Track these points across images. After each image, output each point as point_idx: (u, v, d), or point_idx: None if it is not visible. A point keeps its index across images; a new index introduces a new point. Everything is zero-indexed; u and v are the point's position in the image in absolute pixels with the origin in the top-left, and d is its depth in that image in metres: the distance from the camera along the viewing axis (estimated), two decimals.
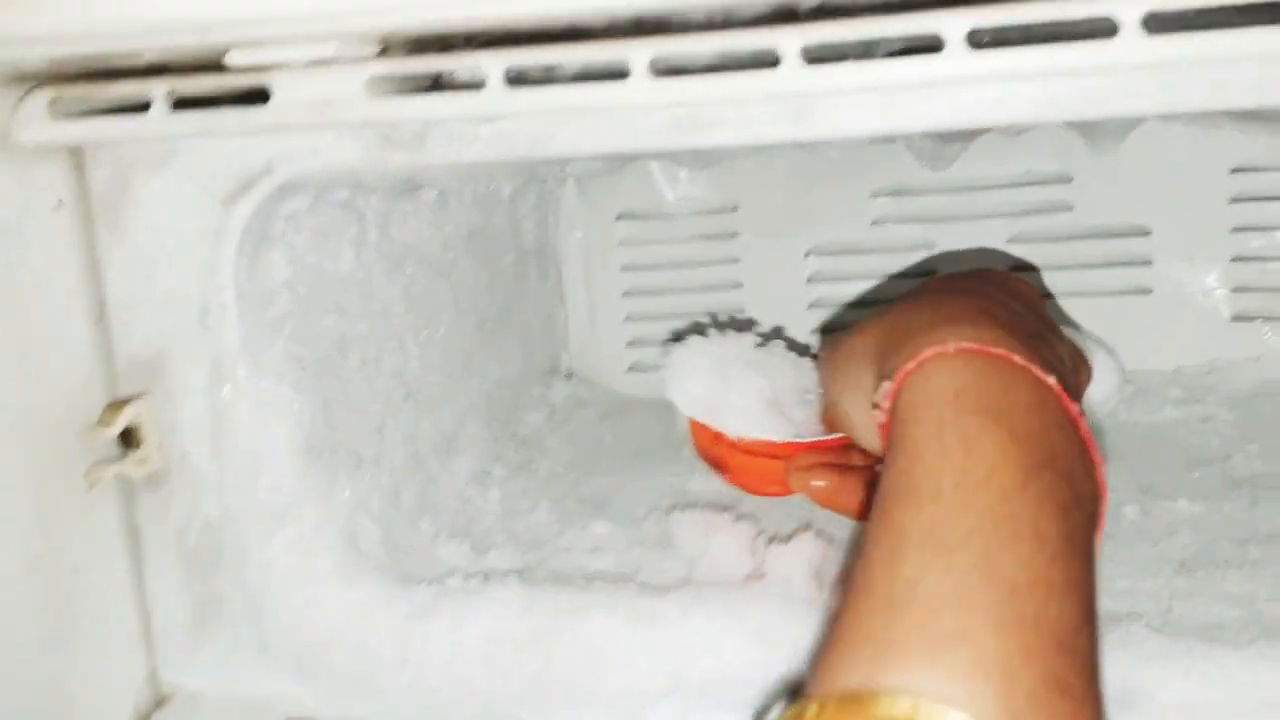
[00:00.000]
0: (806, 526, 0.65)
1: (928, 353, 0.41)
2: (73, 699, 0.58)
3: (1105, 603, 0.56)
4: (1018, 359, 0.41)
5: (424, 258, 0.71)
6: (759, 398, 0.68)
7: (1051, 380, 0.41)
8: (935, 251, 0.91)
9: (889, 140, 0.85)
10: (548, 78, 0.51)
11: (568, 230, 0.96)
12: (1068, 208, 0.88)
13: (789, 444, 0.65)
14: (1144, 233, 0.87)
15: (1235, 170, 0.85)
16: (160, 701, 0.62)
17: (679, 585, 0.59)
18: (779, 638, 0.54)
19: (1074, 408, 0.41)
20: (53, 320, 0.56)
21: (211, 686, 0.62)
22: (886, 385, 0.43)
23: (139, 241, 0.57)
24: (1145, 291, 0.88)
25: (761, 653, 0.54)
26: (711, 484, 0.73)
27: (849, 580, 0.36)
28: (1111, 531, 0.64)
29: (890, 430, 0.41)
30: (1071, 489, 0.39)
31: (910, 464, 0.38)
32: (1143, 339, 0.87)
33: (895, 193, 0.91)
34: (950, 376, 0.40)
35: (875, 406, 0.44)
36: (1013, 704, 0.32)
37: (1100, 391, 0.79)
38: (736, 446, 0.67)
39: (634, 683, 0.55)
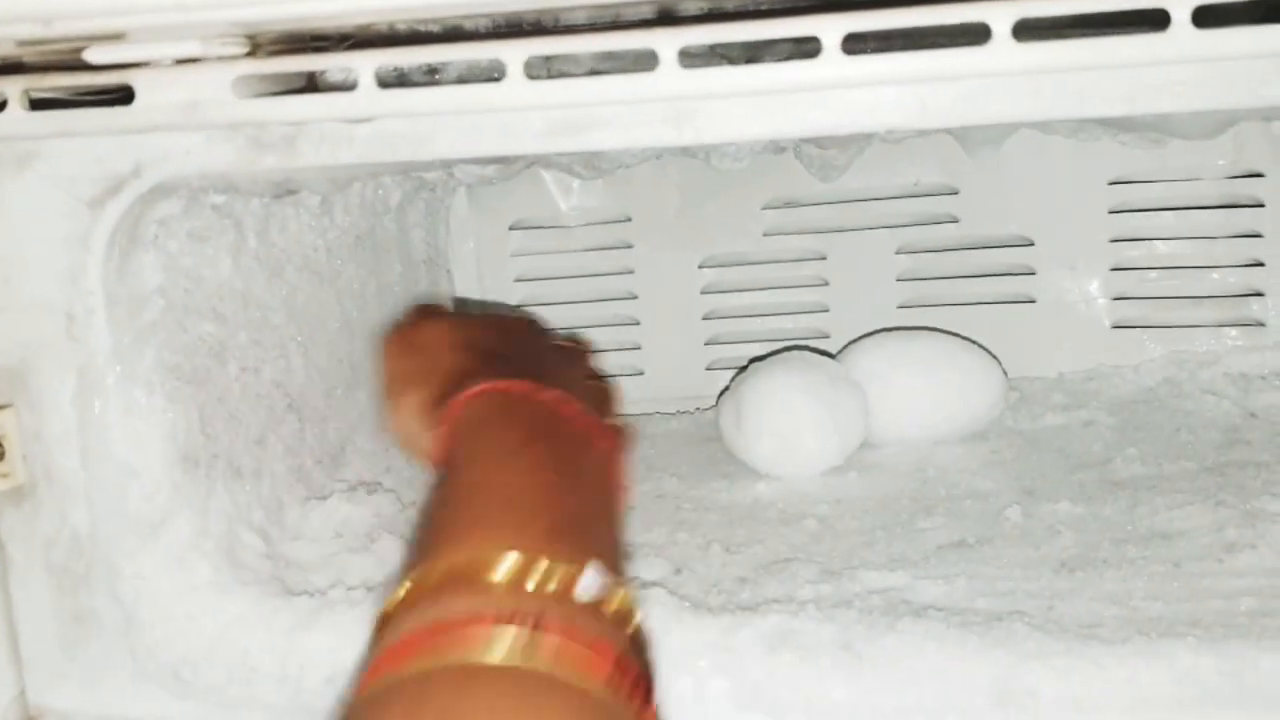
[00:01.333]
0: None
1: (471, 391, 0.55)
2: None
3: (989, 603, 0.58)
4: (520, 388, 0.56)
5: (306, 264, 0.70)
6: None
7: (546, 395, 0.55)
8: (825, 260, 0.92)
9: (779, 151, 0.86)
10: (425, 80, 0.50)
11: (459, 240, 0.95)
12: (954, 219, 0.90)
13: None
14: (1027, 243, 0.89)
15: (1113, 182, 0.87)
16: None
17: None
18: (667, 643, 0.54)
19: (562, 406, 0.55)
20: None
21: (83, 706, 0.59)
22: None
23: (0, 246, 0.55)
24: (1029, 301, 0.89)
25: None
26: None
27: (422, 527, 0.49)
28: (995, 534, 0.66)
29: (446, 440, 0.54)
30: (563, 445, 0.53)
31: (462, 453, 0.52)
32: (1027, 347, 0.89)
33: (786, 204, 0.92)
34: (481, 407, 0.55)
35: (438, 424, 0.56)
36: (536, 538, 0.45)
37: (985, 399, 0.80)
38: None
39: None
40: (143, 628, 0.58)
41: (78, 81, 0.50)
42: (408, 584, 0.44)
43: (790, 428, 0.75)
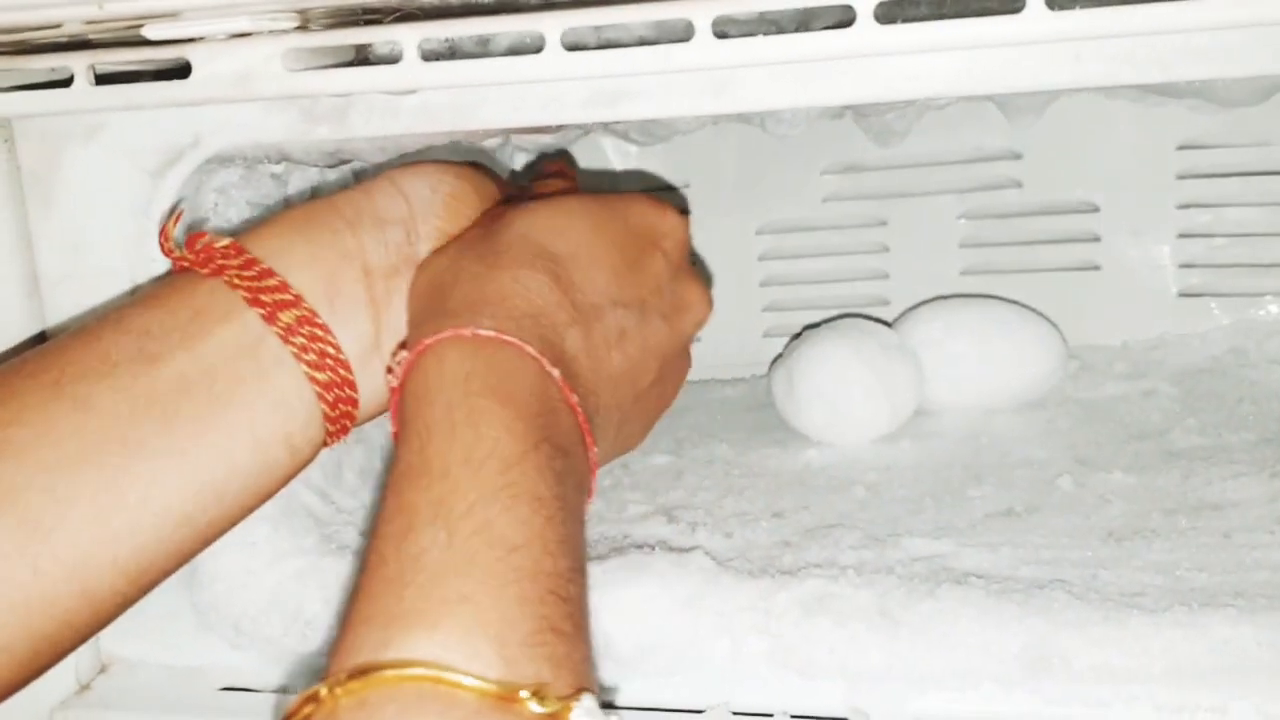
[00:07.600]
0: None
1: (446, 334, 0.43)
2: None
3: (1032, 571, 0.58)
4: (529, 350, 0.44)
5: None
6: None
7: (556, 372, 0.44)
8: (886, 226, 0.92)
9: (837, 116, 0.85)
10: (473, 52, 0.52)
11: None
12: (1017, 184, 0.89)
13: None
14: (1093, 209, 0.88)
15: (1182, 147, 0.85)
16: (100, 669, 0.63)
17: (610, 555, 0.59)
18: (704, 605, 0.55)
19: (572, 398, 0.45)
20: None
21: (149, 655, 0.62)
22: (403, 355, 0.45)
23: (69, 215, 0.57)
24: (1094, 268, 0.88)
25: (687, 619, 0.55)
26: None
27: (363, 560, 0.39)
28: (1044, 503, 0.65)
29: (401, 403, 0.43)
30: (566, 461, 0.42)
31: (422, 444, 0.40)
32: (1091, 315, 0.88)
33: (846, 169, 0.91)
34: (462, 359, 0.43)
35: (389, 371, 0.46)
36: (508, 652, 0.34)
37: (1042, 367, 0.80)
38: None
39: None
40: (205, 582, 0.60)
41: (139, 57, 0.52)
42: (326, 689, 0.34)
43: (841, 394, 0.75)
